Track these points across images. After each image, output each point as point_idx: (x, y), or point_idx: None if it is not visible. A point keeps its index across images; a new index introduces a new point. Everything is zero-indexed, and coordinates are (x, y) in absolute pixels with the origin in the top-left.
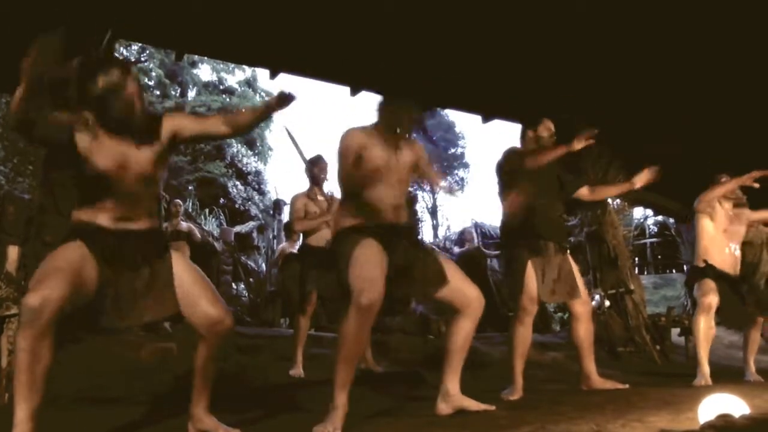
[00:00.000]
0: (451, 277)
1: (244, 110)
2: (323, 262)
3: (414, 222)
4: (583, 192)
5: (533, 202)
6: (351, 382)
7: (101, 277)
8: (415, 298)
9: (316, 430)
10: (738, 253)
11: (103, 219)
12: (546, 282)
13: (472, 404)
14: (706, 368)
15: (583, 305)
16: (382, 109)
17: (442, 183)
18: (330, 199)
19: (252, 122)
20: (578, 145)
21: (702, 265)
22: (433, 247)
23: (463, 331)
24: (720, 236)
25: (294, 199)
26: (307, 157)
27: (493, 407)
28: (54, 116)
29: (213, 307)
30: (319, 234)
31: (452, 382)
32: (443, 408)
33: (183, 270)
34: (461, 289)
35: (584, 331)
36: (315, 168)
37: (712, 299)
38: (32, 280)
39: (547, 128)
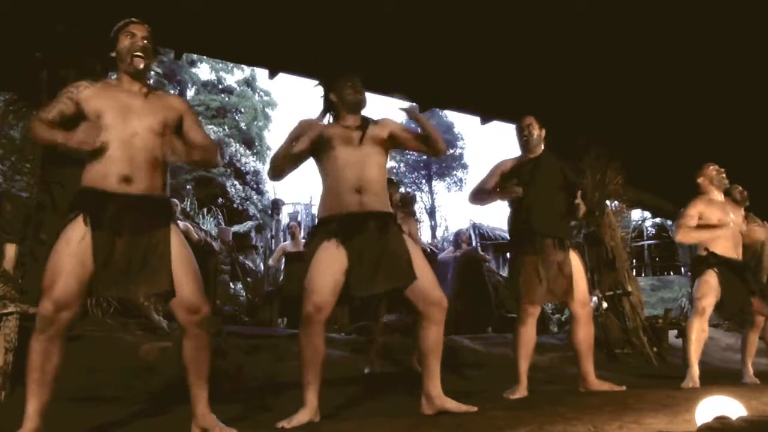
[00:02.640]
0: (419, 276)
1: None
2: None
3: (388, 207)
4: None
5: (530, 198)
6: (317, 382)
7: (99, 246)
8: (377, 291)
9: (279, 425)
10: (739, 235)
11: (105, 181)
12: (542, 283)
13: (454, 406)
14: (695, 370)
15: (583, 307)
16: (329, 93)
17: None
18: (404, 219)
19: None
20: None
21: (704, 253)
22: (408, 238)
23: (431, 334)
24: (716, 224)
25: None
26: None
27: (475, 408)
28: (51, 114)
29: (192, 294)
30: None
31: (432, 385)
32: (426, 409)
33: (176, 248)
34: (424, 291)
35: (583, 333)
36: (390, 189)
37: (708, 303)
38: (44, 281)
39: (519, 127)
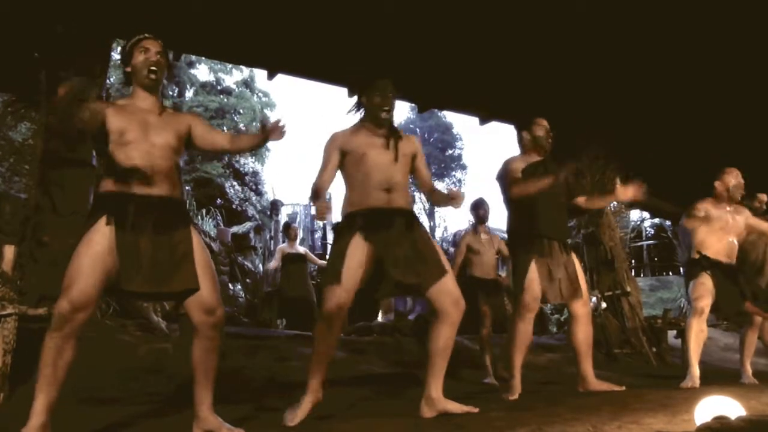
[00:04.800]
0: (440, 276)
1: (245, 135)
2: (490, 290)
3: (412, 206)
4: (580, 200)
5: (537, 201)
6: (323, 372)
7: (123, 246)
8: (403, 287)
9: (286, 416)
10: (736, 243)
11: (125, 185)
12: (554, 282)
13: (455, 407)
14: (695, 370)
15: (584, 306)
16: (363, 96)
17: (440, 190)
18: (491, 237)
19: (249, 147)
20: (563, 176)
21: (696, 256)
22: (433, 239)
23: (443, 335)
24: (716, 229)
25: (461, 237)
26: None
27: (476, 409)
28: (87, 108)
29: (209, 294)
30: (482, 267)
31: (435, 386)
32: (426, 411)
33: (196, 249)
34: (444, 291)
35: (583, 333)
36: (480, 210)
37: (705, 303)
38: (64, 280)
39: (542, 127)
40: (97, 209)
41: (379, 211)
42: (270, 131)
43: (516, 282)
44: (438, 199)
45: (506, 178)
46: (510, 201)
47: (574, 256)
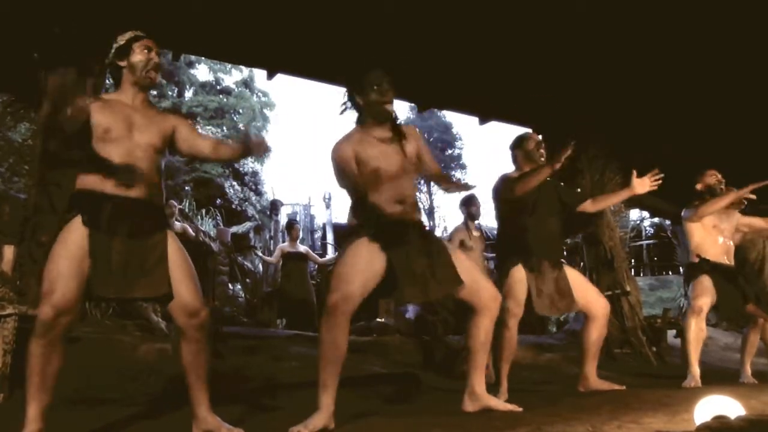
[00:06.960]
0: (466, 276)
1: (226, 146)
2: None
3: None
4: (587, 205)
5: (526, 219)
6: (334, 384)
7: (95, 246)
8: (431, 298)
9: (292, 431)
10: (731, 243)
11: (104, 184)
12: (542, 296)
13: (499, 404)
14: (696, 370)
15: (603, 308)
16: (361, 95)
17: (447, 180)
18: (481, 234)
19: (230, 159)
20: (559, 162)
21: (696, 260)
22: (446, 244)
23: (483, 329)
24: (710, 231)
25: (454, 232)
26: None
27: (520, 409)
28: (73, 103)
29: (191, 297)
30: None
31: (478, 381)
32: (469, 406)
33: (173, 252)
34: (476, 288)
35: (598, 334)
36: (472, 207)
37: (704, 302)
38: (43, 285)
39: (532, 140)
40: (74, 207)
41: (394, 223)
42: (253, 146)
43: (501, 288)
44: (445, 185)
45: (502, 188)
46: (501, 218)
47: (567, 270)
